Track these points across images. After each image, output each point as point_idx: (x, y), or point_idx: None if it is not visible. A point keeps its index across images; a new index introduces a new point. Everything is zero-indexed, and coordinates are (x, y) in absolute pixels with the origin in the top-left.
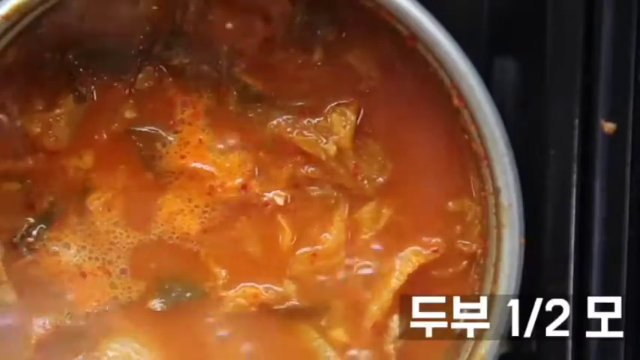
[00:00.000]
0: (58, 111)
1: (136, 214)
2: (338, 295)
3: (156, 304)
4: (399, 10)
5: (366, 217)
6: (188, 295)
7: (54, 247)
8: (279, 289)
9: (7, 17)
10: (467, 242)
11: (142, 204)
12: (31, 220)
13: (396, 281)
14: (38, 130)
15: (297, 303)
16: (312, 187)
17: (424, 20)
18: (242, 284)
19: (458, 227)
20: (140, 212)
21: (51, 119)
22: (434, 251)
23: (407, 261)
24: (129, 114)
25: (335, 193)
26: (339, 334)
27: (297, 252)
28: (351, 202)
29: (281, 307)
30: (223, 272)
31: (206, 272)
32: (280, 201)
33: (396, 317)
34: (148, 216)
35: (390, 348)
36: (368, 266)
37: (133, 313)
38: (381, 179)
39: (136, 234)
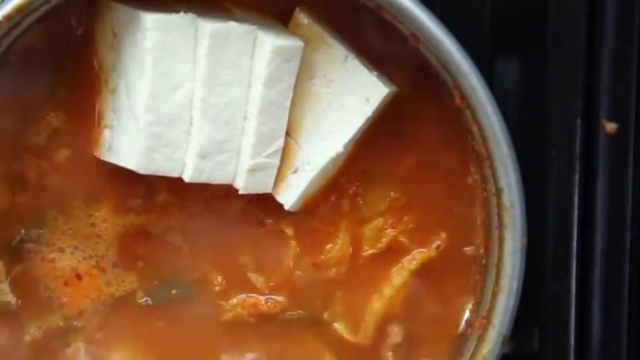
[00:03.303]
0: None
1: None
2: (340, 301)
3: (148, 301)
4: (401, 10)
5: (368, 235)
6: (174, 292)
7: (51, 255)
8: (280, 299)
9: (8, 18)
10: (469, 243)
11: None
12: (29, 224)
13: (399, 277)
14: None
15: (297, 313)
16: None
17: (426, 20)
18: (241, 294)
19: (462, 230)
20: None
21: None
22: (436, 248)
23: (410, 259)
24: None
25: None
26: (342, 331)
27: (301, 261)
28: (358, 219)
29: (281, 317)
30: (219, 278)
31: (203, 277)
32: (290, 231)
33: (397, 326)
34: (134, 204)
35: (389, 355)
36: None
37: (127, 313)
38: (382, 206)
39: (120, 220)
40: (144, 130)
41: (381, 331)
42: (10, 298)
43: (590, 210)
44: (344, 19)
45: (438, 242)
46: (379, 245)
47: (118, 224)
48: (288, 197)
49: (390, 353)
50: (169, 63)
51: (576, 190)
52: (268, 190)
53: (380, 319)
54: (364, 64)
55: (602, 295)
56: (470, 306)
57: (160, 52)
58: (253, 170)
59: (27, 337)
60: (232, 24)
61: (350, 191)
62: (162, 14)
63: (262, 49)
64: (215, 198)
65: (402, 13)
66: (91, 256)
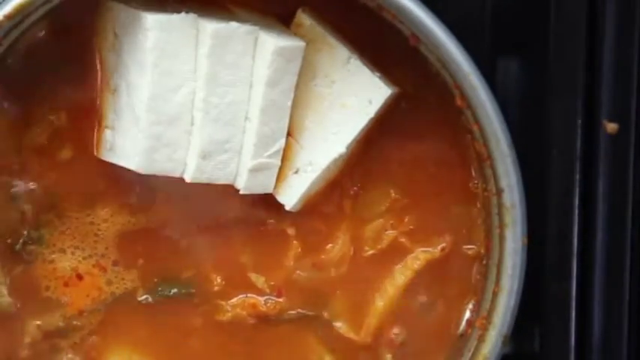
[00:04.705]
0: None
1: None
2: (340, 301)
3: (148, 299)
4: (402, 10)
5: (368, 236)
6: (174, 291)
7: (52, 256)
8: (280, 300)
9: (9, 17)
10: (470, 243)
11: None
12: (30, 225)
13: (402, 277)
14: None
15: (297, 313)
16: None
17: (427, 20)
18: (241, 295)
19: (463, 230)
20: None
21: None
22: (441, 250)
23: (414, 258)
24: None
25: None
26: (342, 331)
27: (301, 261)
28: (358, 219)
29: (281, 317)
30: (219, 278)
31: (203, 277)
32: (291, 231)
33: (397, 326)
34: (135, 204)
35: (390, 355)
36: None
37: (127, 312)
38: (382, 207)
39: (120, 220)
40: (145, 130)
41: (381, 331)
42: (9, 300)
43: (590, 210)
44: (345, 20)
45: (443, 244)
46: (379, 246)
47: (118, 224)
48: (289, 198)
49: (391, 353)
50: (170, 63)
51: (577, 190)
52: (269, 191)
53: (382, 318)
54: (366, 65)
55: (603, 295)
56: (470, 306)
57: (161, 53)
58: (254, 170)
59: (27, 339)
60: (234, 24)
61: (351, 192)
62: (164, 14)
63: (264, 49)
64: (216, 198)
65: (402, 14)
66: (90, 256)
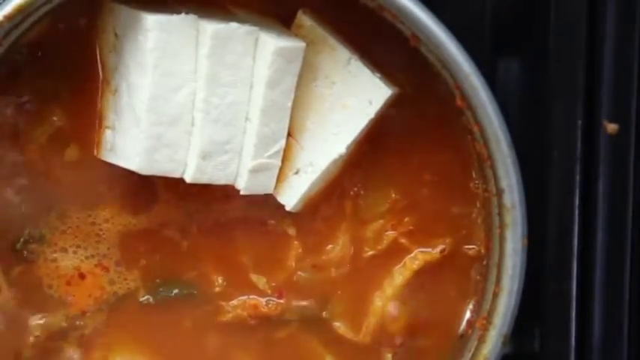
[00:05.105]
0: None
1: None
2: (341, 302)
3: (149, 299)
4: (402, 10)
5: (368, 236)
6: (175, 292)
7: (53, 255)
8: (281, 301)
9: (9, 18)
10: (470, 243)
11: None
12: (31, 225)
13: (400, 277)
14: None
15: (298, 313)
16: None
17: (427, 21)
18: (242, 296)
19: (463, 230)
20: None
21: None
22: (441, 251)
23: (413, 258)
24: None
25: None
26: (342, 331)
27: (302, 262)
28: (359, 220)
29: (281, 317)
30: (220, 279)
31: (204, 277)
32: (292, 232)
33: (398, 326)
34: (136, 204)
35: (390, 356)
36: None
37: (128, 312)
38: (383, 208)
39: (122, 220)
40: (145, 130)
41: (381, 331)
42: (9, 298)
43: (591, 210)
44: (346, 21)
45: (444, 245)
46: (379, 247)
47: (119, 224)
48: (290, 198)
49: (391, 353)
50: (171, 64)
51: (577, 190)
52: (269, 191)
53: (381, 318)
54: (367, 66)
55: (603, 295)
56: (471, 306)
57: (162, 53)
58: (255, 171)
59: (31, 338)
60: (234, 25)
61: (351, 192)
62: (164, 15)
63: (264, 49)
64: (216, 199)
65: (403, 14)
66: (93, 255)
